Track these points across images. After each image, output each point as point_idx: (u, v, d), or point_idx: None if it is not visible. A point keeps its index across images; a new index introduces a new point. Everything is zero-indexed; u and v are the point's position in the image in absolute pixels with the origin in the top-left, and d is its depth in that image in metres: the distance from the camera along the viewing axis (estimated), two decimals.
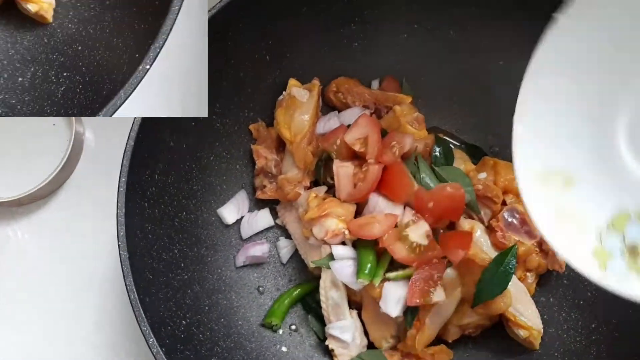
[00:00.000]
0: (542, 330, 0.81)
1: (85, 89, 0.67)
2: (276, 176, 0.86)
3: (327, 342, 0.82)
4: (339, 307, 0.81)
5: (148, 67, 0.59)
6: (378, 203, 0.79)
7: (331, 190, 0.83)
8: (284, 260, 0.88)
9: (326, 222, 0.79)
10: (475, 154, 0.91)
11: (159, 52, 0.60)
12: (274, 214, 0.90)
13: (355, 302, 0.83)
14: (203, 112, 0.72)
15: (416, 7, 0.85)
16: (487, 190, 0.83)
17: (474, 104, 0.91)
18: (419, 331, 0.78)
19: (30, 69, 0.70)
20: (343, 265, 0.78)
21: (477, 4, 0.83)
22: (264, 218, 0.88)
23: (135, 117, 0.72)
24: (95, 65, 0.67)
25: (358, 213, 0.81)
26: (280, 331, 0.84)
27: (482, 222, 0.84)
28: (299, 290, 0.86)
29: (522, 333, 0.80)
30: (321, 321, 0.84)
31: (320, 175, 0.85)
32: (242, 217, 0.88)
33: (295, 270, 0.88)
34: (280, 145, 0.88)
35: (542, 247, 0.83)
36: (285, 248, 0.88)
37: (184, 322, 0.74)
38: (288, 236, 0.88)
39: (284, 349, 0.83)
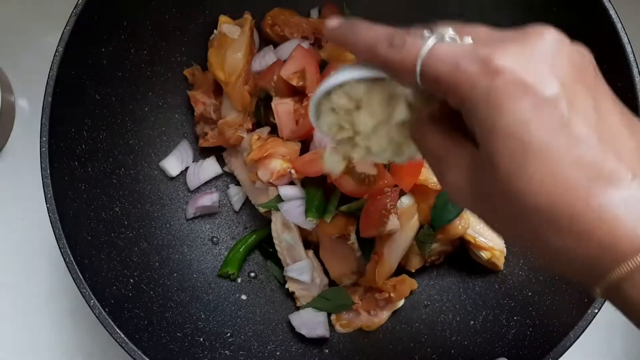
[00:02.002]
0: (504, 250, 0.79)
1: (535, 331, 0.71)
2: (217, 121, 0.82)
3: (287, 286, 0.80)
4: (294, 248, 0.78)
5: (597, 311, 0.65)
6: (323, 138, 0.76)
7: (275, 131, 0.80)
8: (237, 207, 0.85)
9: (270, 163, 0.75)
10: None
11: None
12: (222, 162, 0.86)
13: (312, 241, 0.81)
14: None
15: None
16: None
17: (421, 22, 0.86)
18: (378, 264, 0.76)
19: (482, 313, 0.77)
20: (292, 206, 0.75)
21: None
22: (210, 167, 0.84)
23: (50, 71, 0.68)
24: (544, 310, 0.71)
25: (305, 151, 0.78)
26: (239, 280, 0.82)
27: None
28: (254, 236, 0.83)
29: (484, 255, 0.78)
30: (280, 265, 0.82)
31: (261, 115, 0.81)
32: (187, 168, 0.84)
33: (250, 217, 0.86)
34: (218, 89, 0.83)
35: None
36: (236, 195, 0.85)
37: (131, 280, 0.72)
38: (238, 183, 0.85)
39: (243, 297, 0.81)
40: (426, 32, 0.39)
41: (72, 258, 0.65)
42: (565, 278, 0.41)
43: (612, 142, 0.35)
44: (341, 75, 0.44)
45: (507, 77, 0.35)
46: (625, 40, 0.67)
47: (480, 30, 0.39)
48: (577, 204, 0.34)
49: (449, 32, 0.39)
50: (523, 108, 0.34)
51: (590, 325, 0.65)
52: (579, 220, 0.34)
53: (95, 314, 0.64)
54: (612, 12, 0.68)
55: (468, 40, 0.38)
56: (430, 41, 0.38)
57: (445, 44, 0.38)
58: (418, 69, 0.38)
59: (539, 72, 0.35)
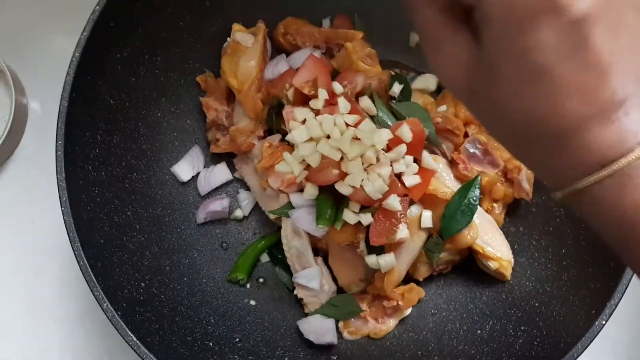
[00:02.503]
0: (512, 261, 0.79)
1: (543, 341, 0.72)
2: (229, 128, 0.83)
3: (295, 292, 0.81)
4: (303, 255, 0.79)
5: (604, 322, 0.66)
6: None
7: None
8: (246, 213, 0.86)
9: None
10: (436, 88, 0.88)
11: (614, 310, 0.66)
12: (233, 168, 0.87)
13: (322, 248, 0.81)
14: None
15: None
16: (447, 122, 0.80)
17: None
18: (387, 272, 0.77)
19: (489, 323, 0.78)
20: (302, 213, 0.75)
21: None
22: (221, 172, 0.85)
23: (66, 77, 0.69)
24: (551, 320, 0.73)
25: None
26: (248, 285, 0.83)
27: (444, 156, 0.82)
28: (263, 242, 0.84)
29: (492, 265, 0.78)
30: (289, 272, 0.82)
31: (273, 123, 0.81)
32: (198, 174, 0.85)
33: (259, 223, 0.86)
34: (231, 96, 0.84)
35: (507, 176, 0.80)
36: (245, 201, 0.85)
37: (142, 284, 0.73)
38: (248, 188, 0.86)
39: (252, 302, 0.82)
40: None
41: (85, 261, 0.65)
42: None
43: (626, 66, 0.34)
44: None
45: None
46: None
47: None
48: (567, 137, 0.36)
49: None
50: (542, 35, 0.33)
51: (597, 336, 0.65)
52: (565, 147, 0.36)
53: (108, 317, 0.64)
54: None
55: None
56: None
57: None
58: None
59: None
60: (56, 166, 0.67)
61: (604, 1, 0.33)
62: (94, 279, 0.65)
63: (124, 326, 0.64)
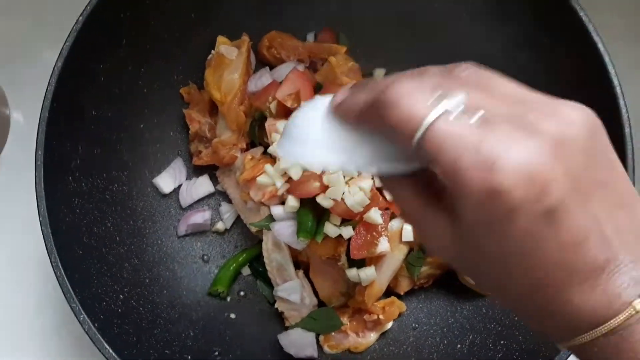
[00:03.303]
0: None
1: (522, 356, 0.72)
2: (211, 140, 0.83)
3: (276, 305, 0.80)
4: (284, 268, 0.79)
5: None
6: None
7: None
8: (228, 225, 0.85)
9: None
10: None
11: None
12: (215, 180, 0.87)
13: (303, 262, 0.81)
14: None
15: None
16: None
17: (416, 51, 0.88)
18: (368, 285, 0.77)
19: (469, 337, 0.78)
20: (283, 226, 0.75)
21: None
22: (203, 185, 0.85)
23: (48, 86, 0.69)
24: (530, 335, 0.73)
25: None
26: (229, 298, 0.82)
27: None
28: (244, 255, 0.83)
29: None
30: (270, 285, 0.82)
31: (256, 135, 0.82)
32: (180, 186, 0.84)
33: (241, 236, 0.86)
34: (214, 108, 0.84)
35: None
36: (227, 213, 0.85)
37: (121, 296, 0.72)
38: (230, 201, 0.86)
39: (232, 315, 0.81)
40: (435, 95, 0.35)
41: (63, 272, 0.65)
42: None
43: (608, 242, 0.36)
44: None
45: (505, 198, 0.33)
46: (612, 72, 0.70)
47: (496, 101, 0.36)
48: (556, 304, 0.37)
49: (460, 102, 0.35)
50: (517, 225, 0.34)
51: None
52: (556, 313, 0.37)
53: (84, 329, 0.64)
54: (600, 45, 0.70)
55: (479, 114, 0.35)
56: (435, 113, 0.35)
57: (450, 123, 0.34)
58: (416, 140, 0.35)
59: (543, 179, 0.33)
60: (35, 176, 0.67)
61: (570, 185, 0.34)
62: (71, 291, 0.64)
63: (101, 339, 0.64)
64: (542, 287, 0.37)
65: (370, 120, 0.39)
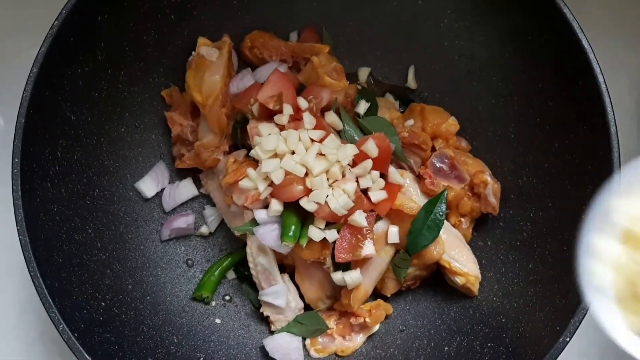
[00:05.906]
0: (479, 276, 0.79)
1: (509, 358, 0.71)
2: (194, 143, 0.82)
3: (261, 310, 0.80)
4: (269, 272, 0.78)
5: (568, 339, 0.66)
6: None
7: None
8: (212, 229, 0.84)
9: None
10: (404, 101, 0.88)
11: (578, 326, 0.66)
12: (199, 183, 0.85)
13: (289, 265, 0.80)
14: None
15: None
16: (413, 137, 0.80)
17: (401, 49, 0.87)
18: (354, 288, 0.76)
19: (457, 339, 0.77)
20: (267, 230, 0.74)
21: None
22: (186, 188, 0.84)
23: (24, 93, 0.67)
24: (517, 337, 0.73)
25: None
26: (213, 303, 0.81)
27: (412, 170, 0.81)
28: (229, 259, 0.83)
29: (459, 280, 0.78)
30: (256, 289, 0.81)
31: (238, 138, 0.80)
32: (162, 190, 0.83)
33: (226, 239, 0.85)
34: (196, 111, 0.83)
35: (474, 190, 0.80)
36: (212, 217, 0.84)
37: (103, 304, 0.71)
38: (215, 205, 0.84)
39: (217, 320, 0.80)
40: None
41: (41, 282, 0.64)
42: None
43: None
44: None
45: None
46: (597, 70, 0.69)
47: None
48: None
49: None
50: None
51: (562, 354, 0.65)
52: None
53: (64, 339, 0.63)
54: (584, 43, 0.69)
55: None
56: None
57: None
58: None
59: None
60: (12, 184, 0.66)
61: None
62: (50, 300, 0.63)
63: (81, 349, 0.63)
64: None
65: None
